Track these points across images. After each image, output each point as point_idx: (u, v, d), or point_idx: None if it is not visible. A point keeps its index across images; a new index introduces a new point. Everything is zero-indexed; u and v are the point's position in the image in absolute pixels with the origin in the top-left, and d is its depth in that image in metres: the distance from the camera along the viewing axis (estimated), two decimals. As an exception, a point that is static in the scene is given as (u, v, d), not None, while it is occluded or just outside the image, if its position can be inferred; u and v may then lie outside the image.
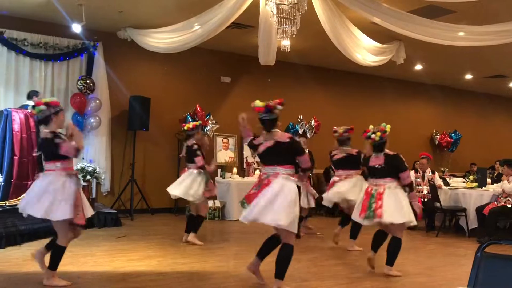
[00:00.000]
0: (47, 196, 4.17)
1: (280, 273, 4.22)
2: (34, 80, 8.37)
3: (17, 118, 6.49)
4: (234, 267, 5.18)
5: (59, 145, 4.15)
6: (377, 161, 5.22)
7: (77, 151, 4.22)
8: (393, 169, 5.11)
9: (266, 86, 10.93)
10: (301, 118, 10.80)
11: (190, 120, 9.39)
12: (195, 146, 6.38)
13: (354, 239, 6.38)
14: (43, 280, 4.29)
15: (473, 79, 12.66)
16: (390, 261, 5.09)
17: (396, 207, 4.94)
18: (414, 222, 5.14)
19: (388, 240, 5.21)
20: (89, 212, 4.49)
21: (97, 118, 8.66)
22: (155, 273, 4.87)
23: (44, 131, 4.32)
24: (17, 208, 5.99)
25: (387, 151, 5.24)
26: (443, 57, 10.12)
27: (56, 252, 4.33)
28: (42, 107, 4.23)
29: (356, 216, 5.23)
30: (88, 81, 8.49)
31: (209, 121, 9.75)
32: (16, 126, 6.44)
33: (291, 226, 4.06)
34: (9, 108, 6.66)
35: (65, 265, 5.01)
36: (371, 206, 5.00)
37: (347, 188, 6.36)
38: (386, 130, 5.22)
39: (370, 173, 5.30)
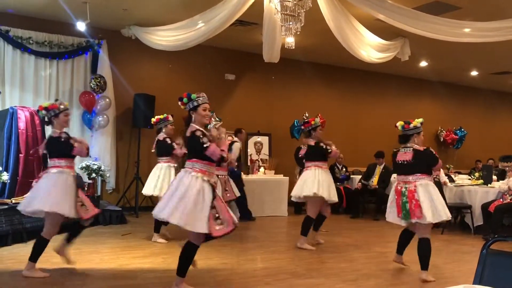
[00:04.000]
0: (54, 191, 4.40)
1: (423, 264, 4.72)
2: (39, 78, 8.42)
3: (23, 116, 6.52)
4: (238, 264, 5.18)
5: (73, 146, 4.51)
6: (404, 156, 4.97)
7: (87, 152, 4.64)
8: (423, 164, 4.88)
9: (271, 84, 10.93)
10: (307, 115, 10.78)
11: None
12: (168, 140, 6.37)
13: (305, 235, 6.28)
14: (23, 271, 4.45)
15: (479, 76, 12.60)
16: (425, 265, 4.79)
17: (430, 205, 4.74)
18: (449, 216, 4.93)
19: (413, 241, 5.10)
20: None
21: (105, 116, 8.69)
22: (160, 270, 4.88)
23: (54, 130, 4.69)
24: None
25: (416, 146, 4.96)
26: (448, 54, 10.08)
27: (40, 244, 4.53)
28: (43, 111, 4.66)
29: (394, 217, 5.00)
30: (100, 80, 8.52)
31: (212, 119, 9.74)
32: (22, 124, 6.47)
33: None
34: (14, 106, 6.69)
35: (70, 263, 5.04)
36: (405, 205, 4.78)
37: None
38: (410, 122, 4.98)
39: (397, 169, 5.08)
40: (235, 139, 8.63)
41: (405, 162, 4.92)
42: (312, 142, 6.48)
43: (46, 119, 4.71)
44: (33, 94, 8.34)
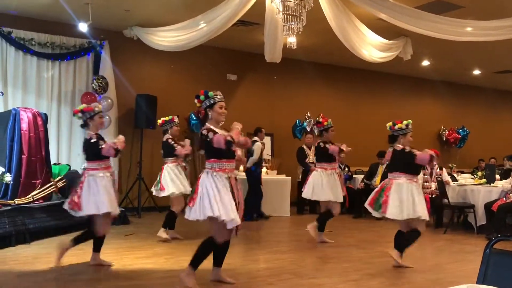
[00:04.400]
0: (98, 194, 4.72)
1: None
2: (42, 79, 8.44)
3: (25, 118, 6.52)
4: (241, 265, 5.18)
5: (101, 147, 4.71)
6: (387, 156, 5.36)
7: (116, 151, 4.76)
8: (400, 163, 5.15)
9: (273, 84, 10.93)
10: (309, 115, 10.79)
11: (194, 117, 9.41)
12: (170, 141, 6.41)
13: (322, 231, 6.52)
14: (90, 261, 4.94)
15: (481, 75, 12.57)
16: (401, 247, 5.12)
17: (397, 203, 4.98)
18: (424, 218, 5.08)
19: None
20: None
21: (107, 117, 8.69)
22: (162, 271, 4.89)
23: (88, 132, 4.92)
24: (26, 207, 6.10)
25: (397, 146, 5.23)
26: (451, 53, 10.06)
27: (98, 241, 4.96)
28: (79, 114, 4.92)
29: (366, 204, 5.39)
30: (102, 81, 8.54)
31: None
32: (24, 125, 6.47)
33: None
34: (17, 108, 6.70)
35: (74, 263, 5.06)
36: (379, 199, 5.15)
37: None
38: (396, 123, 5.26)
39: (387, 168, 5.53)
40: (255, 138, 8.68)
41: (388, 162, 5.31)
42: (322, 144, 6.59)
43: (82, 121, 4.95)
44: (36, 95, 8.35)
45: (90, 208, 4.71)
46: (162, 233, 6.33)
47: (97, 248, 4.99)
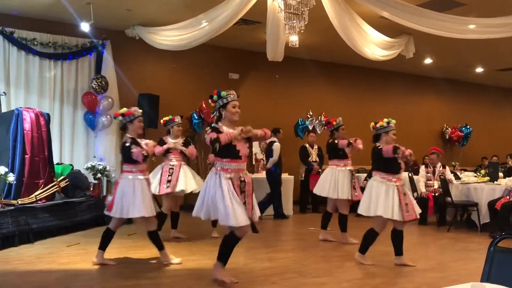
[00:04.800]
0: (135, 197, 4.80)
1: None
2: (44, 79, 8.45)
3: (28, 118, 6.53)
4: (244, 264, 5.18)
5: (131, 151, 4.76)
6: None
7: (144, 157, 4.79)
8: (374, 162, 5.34)
9: (275, 82, 10.92)
10: (311, 113, 10.78)
11: (196, 117, 9.41)
12: (164, 140, 6.43)
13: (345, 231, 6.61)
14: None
15: (484, 72, 12.54)
16: (361, 249, 5.33)
17: (367, 200, 5.18)
18: (386, 215, 5.06)
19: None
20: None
21: (108, 116, 8.72)
22: (166, 270, 4.89)
23: (126, 135, 5.01)
24: (30, 207, 6.12)
25: (377, 145, 5.29)
26: (453, 51, 10.03)
27: (156, 237, 5.12)
28: (120, 117, 5.04)
29: None
30: (102, 81, 8.55)
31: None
32: (27, 125, 6.48)
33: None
34: (20, 108, 6.71)
35: (77, 263, 5.08)
36: None
37: None
38: (377, 122, 5.36)
39: None
40: (274, 139, 8.72)
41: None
42: (330, 140, 6.66)
43: (121, 124, 5.09)
44: (38, 95, 8.37)
45: (125, 211, 4.85)
46: (175, 233, 6.34)
47: (103, 247, 5.05)
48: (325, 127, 7.48)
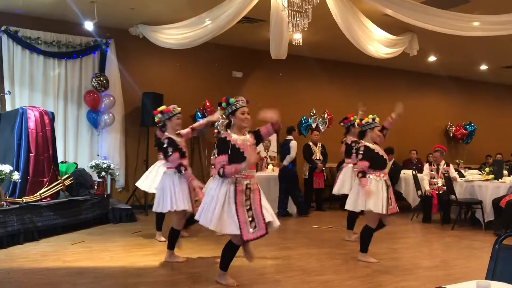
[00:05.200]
0: (173, 191, 4.93)
1: None
2: (48, 78, 8.48)
3: (32, 116, 6.55)
4: (248, 261, 5.18)
5: (169, 154, 4.90)
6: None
7: (179, 169, 4.92)
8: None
9: (278, 80, 10.91)
10: (314, 111, 10.76)
11: (200, 115, 9.41)
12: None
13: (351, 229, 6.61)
14: (166, 258, 5.12)
15: (489, 70, 12.48)
16: (362, 248, 5.38)
17: (357, 196, 5.32)
18: (380, 211, 5.15)
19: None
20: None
21: (110, 115, 8.74)
22: (170, 268, 4.91)
23: (164, 134, 5.14)
24: (34, 205, 6.14)
25: (362, 142, 5.44)
26: (457, 48, 9.99)
27: (174, 234, 5.13)
28: (159, 115, 5.15)
29: None
30: (102, 79, 8.58)
31: (220, 116, 9.75)
32: (32, 124, 6.50)
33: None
34: (24, 106, 6.73)
35: (81, 261, 5.10)
36: None
37: None
38: (363, 119, 5.56)
39: None
40: (290, 137, 8.99)
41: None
42: (349, 140, 6.67)
43: (160, 122, 5.17)
44: (42, 94, 8.40)
45: (165, 205, 4.94)
46: (160, 237, 6.32)
47: (171, 246, 5.17)
48: (342, 123, 7.56)
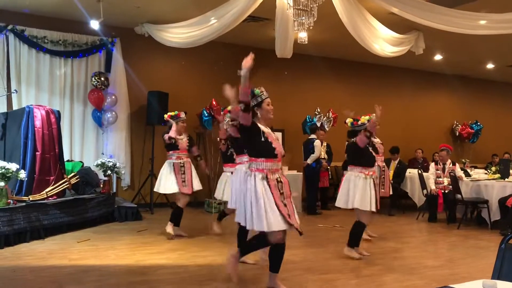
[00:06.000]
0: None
1: None
2: (54, 77, 8.52)
3: (39, 115, 6.58)
4: (254, 260, 5.18)
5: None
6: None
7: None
8: (349, 156, 5.63)
9: (283, 79, 10.90)
10: (319, 110, 10.74)
11: (206, 114, 9.42)
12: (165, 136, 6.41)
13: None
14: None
15: (495, 68, 12.41)
16: (351, 243, 5.41)
17: (344, 193, 5.43)
18: (368, 209, 5.31)
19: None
20: None
21: (113, 113, 8.77)
22: (175, 266, 4.92)
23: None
24: (41, 203, 6.17)
25: (351, 140, 5.59)
26: (464, 47, 9.94)
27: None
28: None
29: None
30: (101, 77, 8.60)
31: (226, 116, 9.75)
32: (38, 123, 6.53)
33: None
34: (30, 105, 6.77)
35: (87, 259, 5.12)
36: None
37: None
38: (358, 119, 5.65)
39: None
40: (313, 136, 9.26)
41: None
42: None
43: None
44: (49, 92, 8.44)
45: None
46: (169, 228, 6.35)
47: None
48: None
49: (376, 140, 6.72)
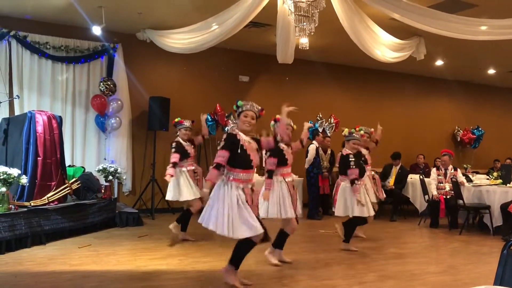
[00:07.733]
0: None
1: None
2: (56, 82, 8.54)
3: (41, 120, 6.60)
4: (255, 265, 5.17)
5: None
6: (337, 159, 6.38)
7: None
8: (342, 167, 6.02)
9: (285, 84, 10.92)
10: (320, 116, 10.75)
11: (210, 118, 9.43)
12: (173, 144, 6.50)
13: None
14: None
15: (496, 74, 12.41)
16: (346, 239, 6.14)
17: (342, 202, 5.90)
18: (366, 214, 5.93)
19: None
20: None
21: (117, 119, 8.79)
22: (176, 272, 4.91)
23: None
24: (42, 209, 6.18)
25: (345, 150, 6.07)
26: (465, 52, 9.95)
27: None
28: (272, 122, 5.69)
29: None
30: (109, 83, 8.63)
31: (230, 121, 9.77)
32: (40, 128, 6.55)
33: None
34: (32, 111, 6.78)
35: (88, 264, 5.12)
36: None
37: None
38: (355, 128, 6.26)
39: None
40: (314, 142, 9.51)
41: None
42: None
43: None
44: (50, 98, 8.46)
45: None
46: (174, 227, 6.35)
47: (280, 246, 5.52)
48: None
49: (365, 152, 6.87)
